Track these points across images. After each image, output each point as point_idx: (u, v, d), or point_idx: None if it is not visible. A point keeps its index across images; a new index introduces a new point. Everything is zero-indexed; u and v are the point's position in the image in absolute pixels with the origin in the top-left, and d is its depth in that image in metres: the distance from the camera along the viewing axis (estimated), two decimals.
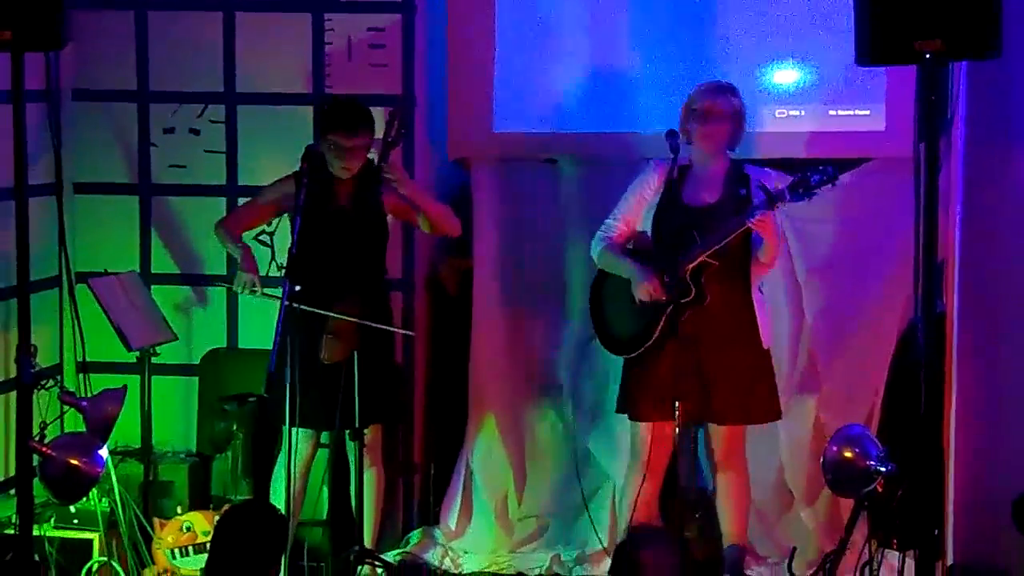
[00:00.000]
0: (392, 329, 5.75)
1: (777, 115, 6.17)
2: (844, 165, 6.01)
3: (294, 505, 5.65)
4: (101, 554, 5.61)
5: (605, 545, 5.88)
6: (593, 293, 5.69)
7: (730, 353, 5.45)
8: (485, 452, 6.36)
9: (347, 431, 5.62)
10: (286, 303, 5.31)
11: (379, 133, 5.64)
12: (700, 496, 5.78)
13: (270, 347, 5.34)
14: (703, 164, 5.49)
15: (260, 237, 6.28)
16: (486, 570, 6.10)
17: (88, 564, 5.60)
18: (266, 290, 5.59)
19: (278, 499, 5.53)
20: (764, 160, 6.01)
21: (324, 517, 6.05)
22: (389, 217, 5.76)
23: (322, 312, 5.50)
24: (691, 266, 5.36)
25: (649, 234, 5.56)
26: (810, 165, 5.40)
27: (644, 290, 5.43)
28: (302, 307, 5.39)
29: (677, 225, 5.46)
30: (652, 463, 5.57)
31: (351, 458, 5.65)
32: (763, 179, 5.48)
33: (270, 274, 5.83)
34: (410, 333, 6.03)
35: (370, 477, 5.78)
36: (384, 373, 5.70)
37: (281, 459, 5.64)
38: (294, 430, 5.47)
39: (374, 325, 5.52)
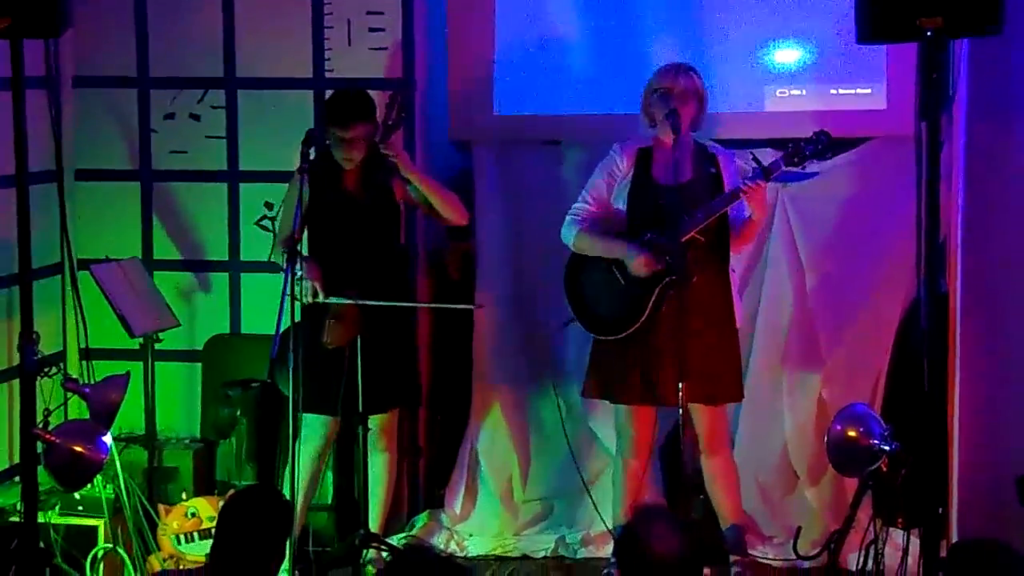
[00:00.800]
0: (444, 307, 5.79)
1: (778, 94, 6.16)
2: (846, 144, 6.02)
3: (308, 490, 5.65)
4: (106, 540, 5.61)
5: (609, 527, 5.88)
6: (569, 277, 5.68)
7: (708, 333, 5.47)
8: (489, 435, 6.36)
9: (354, 416, 5.63)
10: (288, 292, 5.33)
11: (380, 117, 5.64)
12: (703, 478, 5.78)
13: (273, 333, 5.34)
14: (670, 143, 5.48)
15: (262, 223, 6.28)
16: (491, 553, 6.11)
17: (93, 551, 5.60)
18: (331, 298, 5.55)
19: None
20: (765, 140, 6.02)
21: (329, 501, 6.05)
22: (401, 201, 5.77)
23: (331, 301, 5.50)
24: (683, 240, 5.37)
25: (623, 213, 5.57)
26: (804, 137, 5.42)
27: (641, 265, 5.43)
28: (309, 300, 5.41)
29: (653, 204, 5.48)
30: (641, 444, 5.59)
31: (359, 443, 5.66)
32: (730, 158, 5.55)
33: (273, 259, 5.82)
34: (477, 306, 5.99)
35: (384, 461, 5.79)
36: (396, 356, 5.70)
37: (296, 445, 5.63)
38: (308, 416, 5.48)
39: (377, 303, 5.51)
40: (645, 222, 5.52)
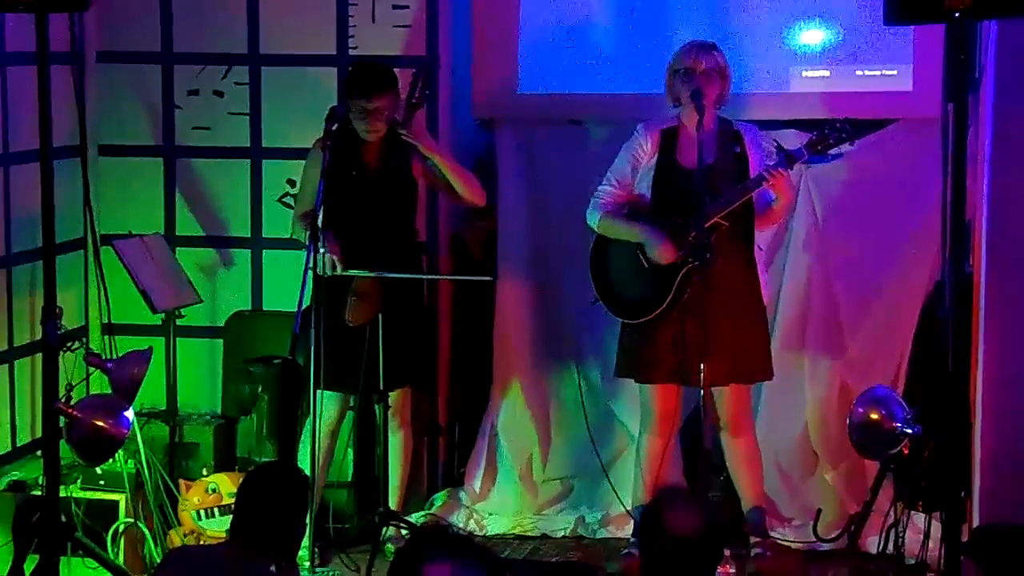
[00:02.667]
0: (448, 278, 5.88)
1: (803, 76, 6.13)
2: (871, 126, 5.99)
3: (321, 467, 5.67)
4: (127, 515, 5.64)
5: (629, 507, 5.88)
6: (594, 259, 5.68)
7: (735, 313, 5.47)
8: (510, 414, 6.36)
9: (373, 394, 5.64)
10: (310, 266, 5.34)
11: (403, 95, 5.64)
12: (724, 459, 5.77)
13: (295, 309, 5.35)
14: (694, 124, 5.46)
15: (284, 199, 6.28)
16: (511, 532, 6.11)
17: (114, 525, 5.63)
18: (349, 271, 5.55)
19: (307, 461, 5.54)
20: (790, 121, 5.99)
21: (349, 479, 6.06)
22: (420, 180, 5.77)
23: (349, 273, 5.51)
24: (706, 225, 5.36)
25: (648, 196, 5.56)
26: (827, 123, 5.39)
27: (662, 253, 5.43)
28: (329, 272, 5.43)
29: (677, 188, 5.47)
30: (664, 424, 5.59)
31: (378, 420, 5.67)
32: (757, 136, 5.53)
33: (294, 235, 5.83)
34: (490, 279, 5.97)
35: (399, 439, 5.80)
36: (412, 336, 5.70)
37: (316, 421, 5.64)
38: (321, 392, 5.49)
39: (394, 275, 5.52)
40: (669, 207, 5.51)
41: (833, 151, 5.50)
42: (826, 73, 6.12)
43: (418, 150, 5.64)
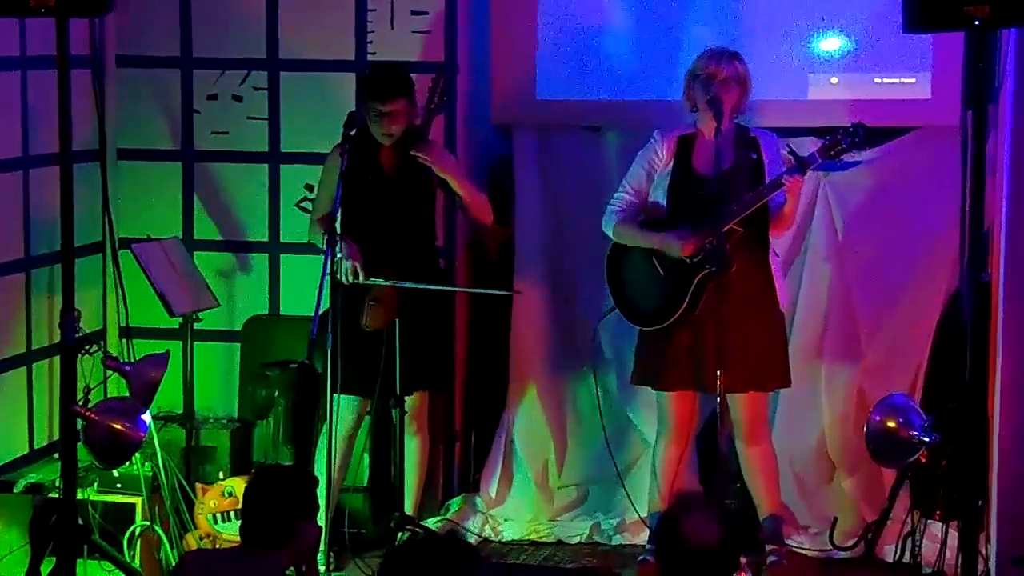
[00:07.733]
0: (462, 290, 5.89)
1: (821, 83, 6.12)
2: (889, 134, 5.98)
3: (337, 472, 5.67)
4: (144, 518, 5.65)
5: (644, 515, 5.87)
6: (610, 267, 5.68)
7: (751, 320, 5.46)
8: (526, 420, 6.35)
9: (390, 399, 5.65)
10: (328, 271, 5.35)
11: (422, 100, 5.65)
12: (740, 466, 5.77)
13: (312, 314, 5.36)
14: (710, 131, 5.46)
15: (302, 204, 6.29)
16: (526, 538, 6.11)
17: (131, 528, 5.63)
18: (370, 279, 5.55)
19: (323, 466, 5.55)
20: (807, 129, 5.99)
21: (365, 484, 6.06)
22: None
23: (370, 282, 5.52)
24: (722, 231, 5.36)
25: (663, 204, 5.56)
26: (841, 128, 5.39)
27: (683, 248, 5.41)
28: (350, 280, 5.44)
29: (693, 194, 5.47)
30: (680, 431, 5.59)
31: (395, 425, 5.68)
32: (774, 143, 5.52)
33: (310, 239, 5.84)
34: (515, 292, 5.95)
35: (416, 444, 5.80)
36: (429, 340, 5.71)
37: (333, 424, 5.64)
38: (339, 397, 5.49)
39: (416, 285, 5.52)
40: (684, 213, 5.51)
41: (847, 157, 5.49)
42: (844, 80, 6.11)
43: (428, 165, 5.63)
